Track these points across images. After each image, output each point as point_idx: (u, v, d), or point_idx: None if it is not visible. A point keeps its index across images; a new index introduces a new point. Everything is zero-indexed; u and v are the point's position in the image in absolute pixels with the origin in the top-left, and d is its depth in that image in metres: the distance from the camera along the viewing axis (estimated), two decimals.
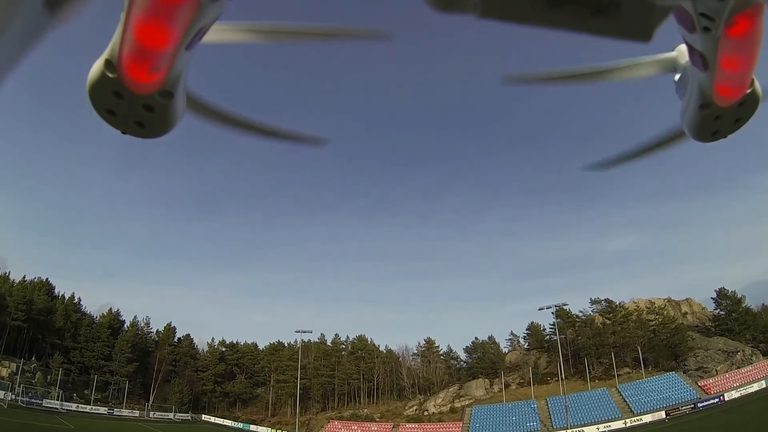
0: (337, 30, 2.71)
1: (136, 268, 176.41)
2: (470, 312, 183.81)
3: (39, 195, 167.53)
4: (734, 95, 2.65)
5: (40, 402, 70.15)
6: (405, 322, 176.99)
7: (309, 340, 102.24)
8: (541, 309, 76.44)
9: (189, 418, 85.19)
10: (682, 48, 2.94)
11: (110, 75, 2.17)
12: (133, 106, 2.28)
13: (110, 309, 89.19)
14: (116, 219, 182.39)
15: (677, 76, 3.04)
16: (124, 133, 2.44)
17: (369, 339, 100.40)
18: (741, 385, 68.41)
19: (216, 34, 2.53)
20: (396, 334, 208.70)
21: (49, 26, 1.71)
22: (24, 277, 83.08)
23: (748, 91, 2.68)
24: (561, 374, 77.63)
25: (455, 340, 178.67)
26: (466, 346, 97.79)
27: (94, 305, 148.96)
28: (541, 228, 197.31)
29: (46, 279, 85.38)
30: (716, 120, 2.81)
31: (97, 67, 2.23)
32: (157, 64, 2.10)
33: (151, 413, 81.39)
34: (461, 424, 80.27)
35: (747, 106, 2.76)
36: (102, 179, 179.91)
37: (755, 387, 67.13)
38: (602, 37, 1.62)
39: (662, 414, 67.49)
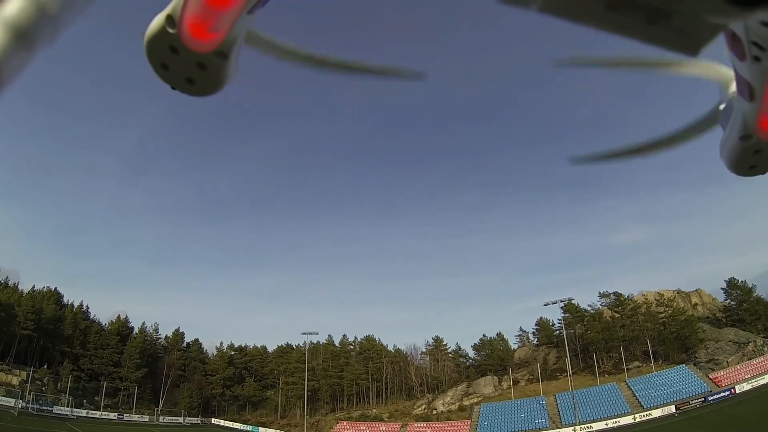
0: (374, 67, 2.80)
1: (145, 275, 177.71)
2: (480, 309, 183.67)
3: (47, 205, 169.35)
4: None
5: (50, 409, 70.99)
6: (414, 321, 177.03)
7: (318, 342, 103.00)
8: (546, 304, 75.71)
9: (198, 421, 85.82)
10: None
11: (170, 30, 2.12)
12: (186, 62, 2.23)
13: (119, 316, 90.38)
14: (124, 226, 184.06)
15: (722, 106, 2.83)
16: (173, 88, 2.38)
17: (377, 339, 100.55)
18: (753, 377, 67.28)
19: (258, 42, 2.47)
20: (405, 333, 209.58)
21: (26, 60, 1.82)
22: (33, 286, 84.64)
23: None
24: (569, 370, 77.01)
25: (465, 337, 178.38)
26: (474, 344, 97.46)
27: (106, 313, 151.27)
28: (549, 223, 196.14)
29: (55, 288, 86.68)
30: (756, 154, 2.63)
31: (157, 21, 2.17)
32: (218, 23, 2.05)
33: (161, 418, 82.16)
34: (470, 423, 79.90)
35: None
36: (108, 187, 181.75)
37: (767, 379, 66.04)
38: (652, 46, 1.62)
39: (672, 408, 66.59)
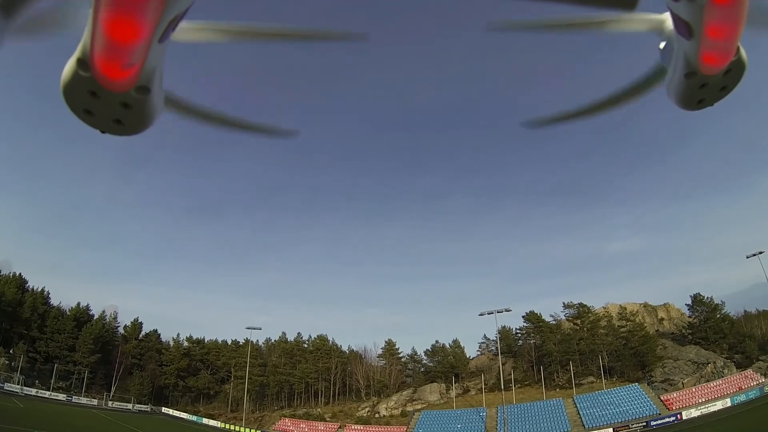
0: (312, 32, 2.56)
1: (134, 270, 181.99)
2: (459, 315, 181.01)
3: (40, 197, 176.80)
4: (720, 63, 2.62)
5: (1, 386, 75.06)
6: (381, 324, 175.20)
7: (277, 339, 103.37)
8: (481, 314, 72.02)
9: (148, 409, 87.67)
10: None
11: (84, 74, 2.03)
12: (109, 104, 2.14)
13: (78, 303, 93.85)
14: (115, 221, 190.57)
15: (662, 45, 2.99)
16: (103, 132, 2.32)
17: (330, 339, 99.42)
18: (705, 402, 61.68)
19: (188, 33, 2.37)
20: (373, 335, 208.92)
21: (6, 30, 1.93)
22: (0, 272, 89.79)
23: (734, 59, 2.61)
24: (502, 382, 73.12)
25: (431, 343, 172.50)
26: (426, 350, 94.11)
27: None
28: (538, 231, 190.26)
29: (19, 274, 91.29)
30: (702, 88, 2.76)
31: (69, 66, 2.10)
32: (130, 59, 1.97)
33: (110, 403, 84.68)
34: (406, 429, 77.38)
35: (733, 74, 2.69)
36: (103, 181, 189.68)
37: (718, 405, 60.03)
38: (587, 6, 1.72)
39: (610, 431, 62.02)
